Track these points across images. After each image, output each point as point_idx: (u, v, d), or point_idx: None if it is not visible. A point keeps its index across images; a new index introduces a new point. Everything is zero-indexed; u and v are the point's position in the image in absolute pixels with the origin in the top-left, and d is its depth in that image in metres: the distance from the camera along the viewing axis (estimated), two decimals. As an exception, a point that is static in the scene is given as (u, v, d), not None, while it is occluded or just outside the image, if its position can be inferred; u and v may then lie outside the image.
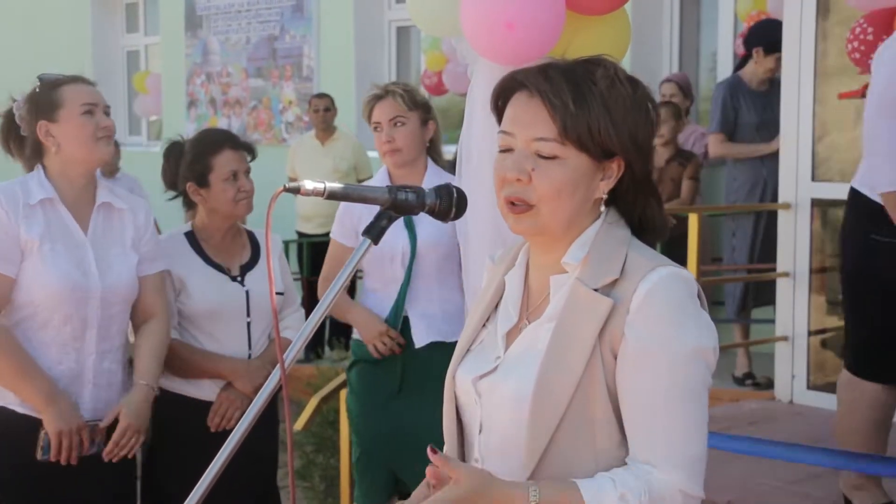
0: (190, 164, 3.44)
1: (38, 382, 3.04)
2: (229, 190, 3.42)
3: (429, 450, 1.70)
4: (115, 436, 3.09)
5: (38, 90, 3.15)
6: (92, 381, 3.14)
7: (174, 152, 3.52)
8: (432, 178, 3.74)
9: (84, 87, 3.18)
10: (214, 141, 3.48)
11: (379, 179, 3.79)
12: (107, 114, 3.18)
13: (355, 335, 3.88)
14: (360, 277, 4.19)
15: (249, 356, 3.46)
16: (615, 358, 1.75)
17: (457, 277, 3.64)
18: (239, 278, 3.48)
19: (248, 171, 3.48)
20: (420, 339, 3.73)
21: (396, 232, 3.61)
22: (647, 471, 1.71)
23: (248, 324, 3.46)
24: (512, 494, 1.63)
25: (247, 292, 3.46)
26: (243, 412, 3.35)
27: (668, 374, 1.72)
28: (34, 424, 3.05)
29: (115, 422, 3.15)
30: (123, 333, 3.25)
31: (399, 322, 3.74)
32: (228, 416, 3.41)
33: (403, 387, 3.76)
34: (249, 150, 3.52)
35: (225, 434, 3.31)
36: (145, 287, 3.26)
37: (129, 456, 3.16)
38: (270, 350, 3.51)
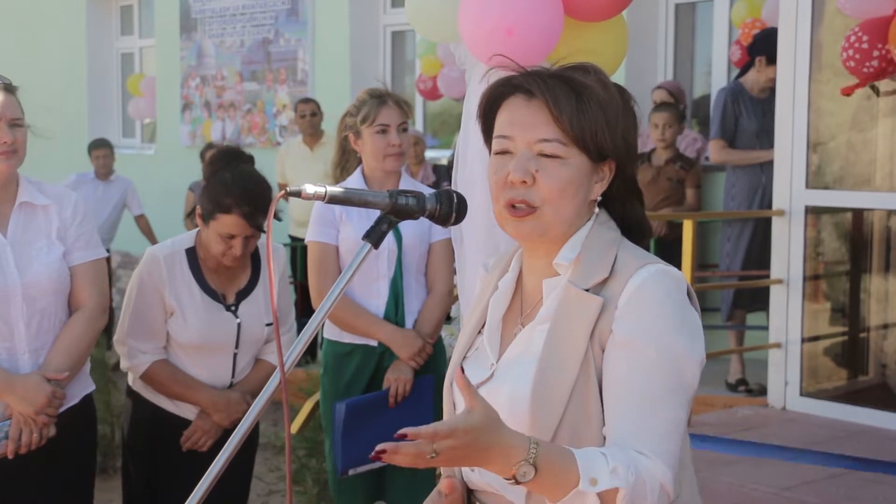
0: (204, 196, 3.35)
1: None
2: (220, 246, 3.33)
3: (457, 372, 1.67)
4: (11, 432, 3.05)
5: None
6: None
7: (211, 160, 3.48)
8: (406, 185, 3.77)
9: None
10: (231, 198, 3.29)
11: (354, 183, 3.73)
12: (17, 125, 3.08)
13: (326, 335, 3.85)
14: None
15: (231, 384, 3.47)
16: (603, 352, 1.75)
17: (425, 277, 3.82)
18: (233, 307, 3.43)
19: (249, 237, 3.33)
20: None
21: None
22: (636, 454, 1.67)
23: (235, 354, 3.45)
24: (512, 444, 1.58)
25: (238, 325, 3.42)
26: (216, 441, 3.37)
27: (654, 366, 1.71)
28: None
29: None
30: (60, 328, 3.17)
31: (402, 318, 3.74)
32: (200, 445, 3.42)
33: (376, 382, 3.76)
34: (259, 220, 3.30)
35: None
36: (75, 277, 3.20)
37: (33, 445, 3.07)
38: (251, 378, 3.50)
